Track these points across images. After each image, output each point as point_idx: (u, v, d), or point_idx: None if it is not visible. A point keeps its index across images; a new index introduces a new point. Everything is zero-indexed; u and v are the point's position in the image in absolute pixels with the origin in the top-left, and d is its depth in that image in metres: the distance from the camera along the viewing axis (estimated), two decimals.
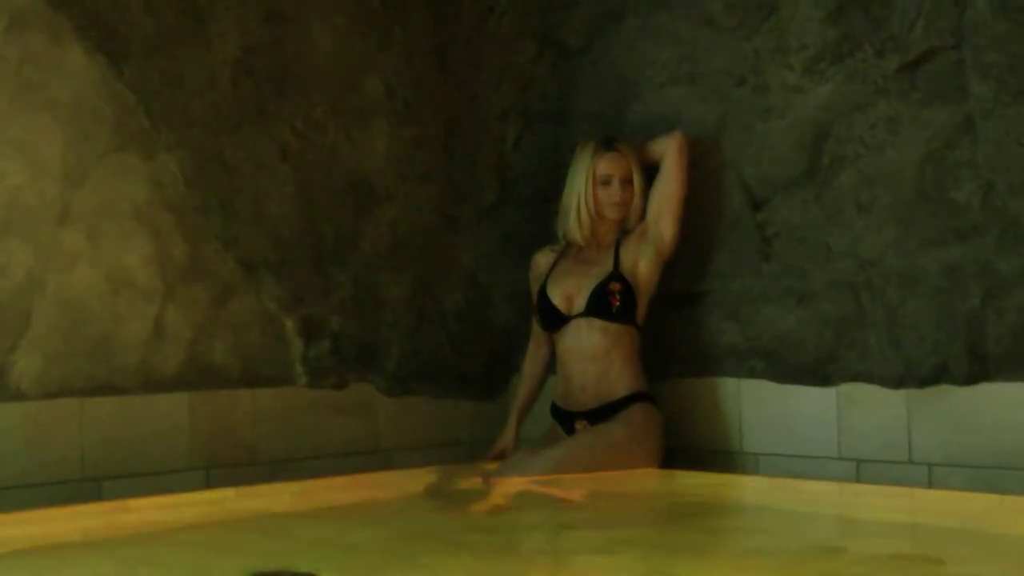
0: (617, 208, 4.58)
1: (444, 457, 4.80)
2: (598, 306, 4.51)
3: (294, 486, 4.19)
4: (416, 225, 4.94)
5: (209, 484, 4.34)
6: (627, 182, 4.56)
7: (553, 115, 5.09)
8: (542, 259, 4.76)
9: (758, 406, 4.48)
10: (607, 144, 4.58)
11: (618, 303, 4.48)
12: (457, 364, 5.06)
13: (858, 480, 4.19)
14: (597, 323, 4.51)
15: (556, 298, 4.58)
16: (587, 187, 4.55)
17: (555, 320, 4.60)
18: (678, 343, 4.67)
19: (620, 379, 4.50)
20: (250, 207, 4.52)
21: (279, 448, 4.53)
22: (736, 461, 4.50)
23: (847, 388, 4.25)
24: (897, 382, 4.14)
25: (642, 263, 4.52)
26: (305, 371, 4.63)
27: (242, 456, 4.44)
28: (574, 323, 4.55)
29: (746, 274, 4.52)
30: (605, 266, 4.54)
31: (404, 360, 4.89)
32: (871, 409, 4.19)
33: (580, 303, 4.54)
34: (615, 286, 4.48)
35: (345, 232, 4.74)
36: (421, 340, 4.95)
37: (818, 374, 4.32)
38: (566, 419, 4.57)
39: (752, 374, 4.49)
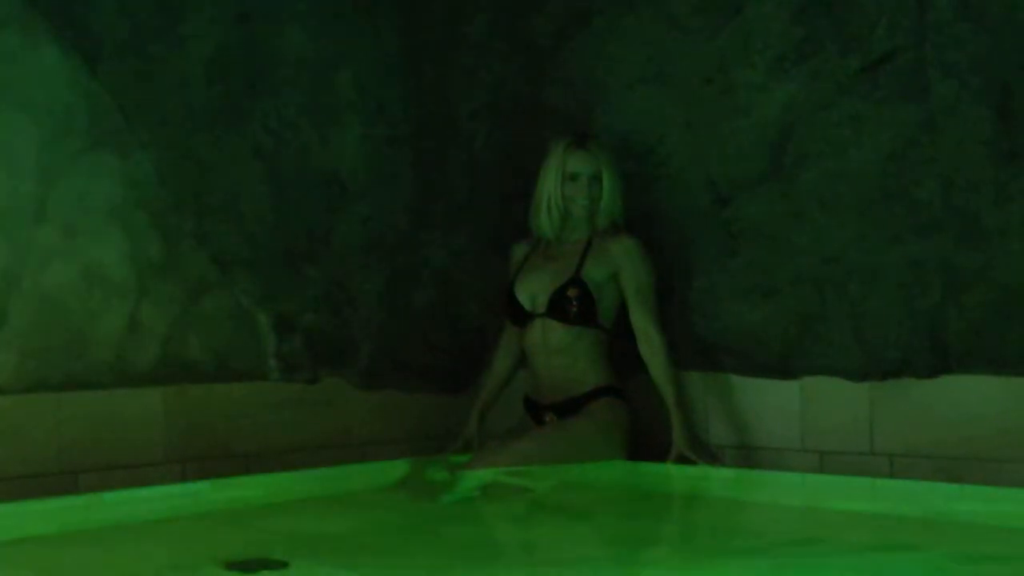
0: (584, 205, 4.55)
1: (415, 450, 4.75)
2: (557, 310, 4.51)
3: (267, 478, 4.17)
4: (388, 222, 4.91)
5: (184, 477, 4.32)
6: (596, 180, 4.54)
7: (523, 114, 5.07)
8: (518, 251, 4.75)
9: (723, 399, 4.47)
10: (579, 141, 4.56)
11: (575, 309, 4.48)
12: (428, 359, 5.03)
13: (821, 471, 4.18)
14: (555, 324, 4.51)
15: (522, 295, 4.59)
16: (556, 183, 4.54)
17: (521, 317, 4.61)
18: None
19: (586, 374, 4.51)
20: (224, 205, 4.50)
21: (253, 441, 4.51)
22: None
23: (811, 381, 4.27)
24: (860, 375, 4.16)
25: (608, 296, 4.51)
26: (278, 366, 4.61)
27: (216, 449, 4.41)
28: (538, 320, 4.55)
29: (712, 270, 4.51)
30: (568, 269, 4.53)
31: (376, 355, 4.86)
32: (834, 402, 4.21)
33: (542, 303, 4.55)
34: (572, 292, 4.48)
35: (318, 229, 4.73)
36: (392, 336, 4.92)
37: (782, 368, 4.33)
38: (536, 411, 4.59)
39: (718, 368, 4.49)
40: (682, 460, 4.29)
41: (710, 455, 4.35)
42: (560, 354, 4.52)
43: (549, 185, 4.57)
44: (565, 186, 4.55)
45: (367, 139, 4.86)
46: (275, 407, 4.59)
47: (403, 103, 4.98)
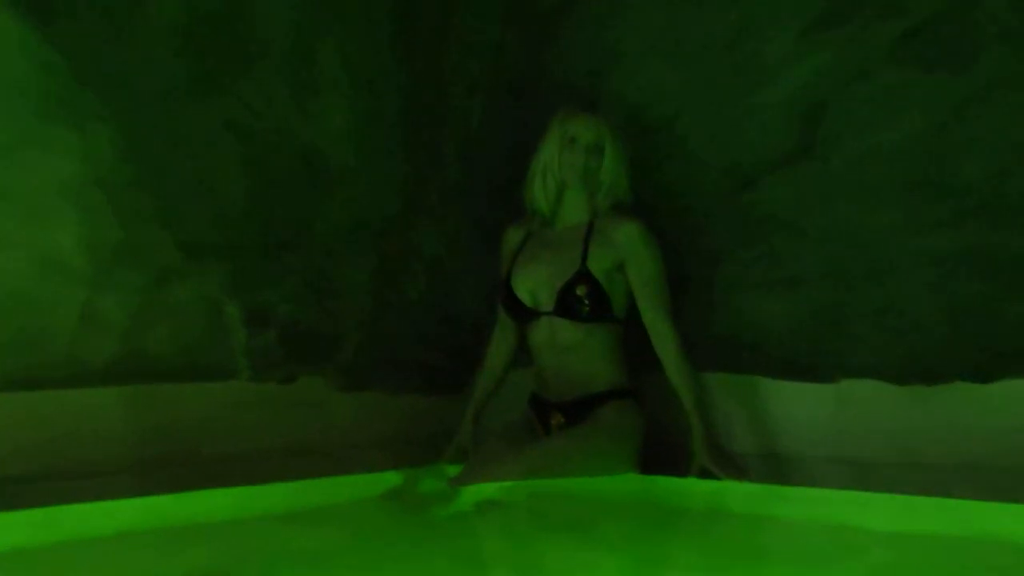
0: (580, 174, 4.40)
1: (405, 458, 4.65)
2: (567, 309, 4.35)
3: (238, 490, 4.05)
4: (375, 206, 4.81)
5: (146, 487, 4.20)
6: (597, 149, 4.40)
7: (524, 89, 5.02)
8: (512, 236, 4.63)
9: (745, 403, 4.43)
10: (582, 107, 4.48)
11: (587, 309, 4.32)
12: (420, 356, 4.96)
13: (856, 486, 4.05)
14: (566, 322, 4.36)
15: (521, 291, 4.44)
16: (554, 149, 4.43)
17: (523, 314, 4.46)
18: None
19: (599, 372, 4.36)
20: (192, 184, 4.36)
21: (222, 448, 4.43)
22: None
23: (845, 384, 4.22)
24: (900, 378, 4.08)
25: (617, 286, 4.39)
26: (250, 363, 4.51)
27: (182, 456, 4.33)
28: (544, 319, 4.40)
29: (732, 259, 4.45)
30: (571, 259, 4.37)
31: (360, 352, 4.78)
32: (871, 407, 4.15)
33: (547, 301, 4.39)
34: (582, 290, 4.32)
35: (297, 213, 4.61)
36: (380, 330, 4.84)
37: (812, 368, 4.27)
38: (543, 410, 4.45)
39: (739, 368, 4.45)
40: (703, 474, 4.12)
41: (735, 467, 4.16)
42: (571, 352, 4.37)
43: (546, 152, 4.46)
44: (563, 152, 4.41)
45: (353, 114, 4.74)
46: (247, 409, 4.52)
47: (393, 75, 4.85)
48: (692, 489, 4.14)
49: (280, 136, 4.58)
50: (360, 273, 4.80)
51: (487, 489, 4.08)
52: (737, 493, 4.10)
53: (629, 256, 4.36)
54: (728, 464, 4.15)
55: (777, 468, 4.34)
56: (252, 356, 4.54)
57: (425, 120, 5.00)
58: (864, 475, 4.15)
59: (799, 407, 4.32)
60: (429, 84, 5.00)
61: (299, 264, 4.64)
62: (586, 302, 4.31)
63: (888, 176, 4.09)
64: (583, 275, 4.33)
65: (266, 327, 4.56)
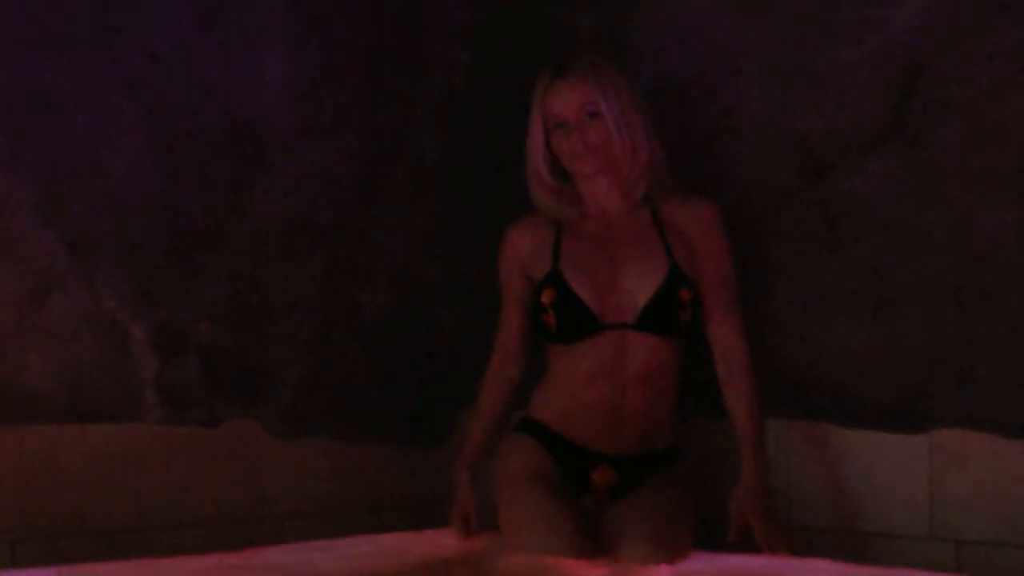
0: (585, 158, 4.02)
1: (360, 527, 4.40)
2: (661, 320, 3.98)
3: (140, 567, 3.84)
4: (325, 193, 4.67)
5: (16, 563, 4.01)
6: (592, 117, 4.02)
7: (526, 34, 4.81)
8: (524, 237, 4.21)
9: (815, 461, 4.19)
10: (556, 71, 4.09)
11: (689, 319, 3.98)
12: (381, 393, 4.72)
13: (959, 569, 3.88)
14: (650, 339, 3.97)
15: (586, 293, 4.03)
16: (542, 140, 4.13)
17: (580, 327, 4.05)
18: (701, 369, 4.23)
19: (664, 416, 4.09)
20: (82, 164, 4.20)
21: (120, 511, 4.21)
22: None
23: (945, 437, 3.94)
24: (1018, 429, 3.81)
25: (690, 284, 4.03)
26: (161, 401, 4.30)
27: (65, 522, 4.12)
28: (608, 335, 3.99)
29: (801, 270, 4.20)
30: (652, 254, 4.04)
31: (304, 387, 4.59)
32: (979, 468, 3.89)
33: (629, 309, 3.99)
34: (686, 295, 3.99)
35: (221, 202, 4.46)
36: (329, 358, 4.67)
37: (904, 416, 4.00)
38: (583, 462, 4.05)
39: (807, 414, 4.18)
40: (742, 523, 3.86)
41: (783, 541, 3.87)
42: (643, 383, 4.00)
43: (533, 146, 4.12)
44: (555, 142, 4.07)
45: (296, 70, 4.61)
46: (154, 461, 4.28)
47: (350, 18, 4.73)
48: (745, 571, 3.88)
49: (199, 99, 4.45)
50: (303, 283, 4.63)
51: None
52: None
53: (701, 246, 4.08)
54: (776, 536, 3.91)
55: (853, 545, 4.08)
56: (164, 391, 4.35)
57: (393, 77, 4.86)
58: (965, 556, 3.94)
59: (883, 466, 4.06)
60: (399, 28, 4.88)
61: (224, 270, 4.47)
62: (689, 309, 4.04)
63: (1009, 161, 3.87)
64: (680, 277, 4.04)
65: (182, 353, 4.40)
